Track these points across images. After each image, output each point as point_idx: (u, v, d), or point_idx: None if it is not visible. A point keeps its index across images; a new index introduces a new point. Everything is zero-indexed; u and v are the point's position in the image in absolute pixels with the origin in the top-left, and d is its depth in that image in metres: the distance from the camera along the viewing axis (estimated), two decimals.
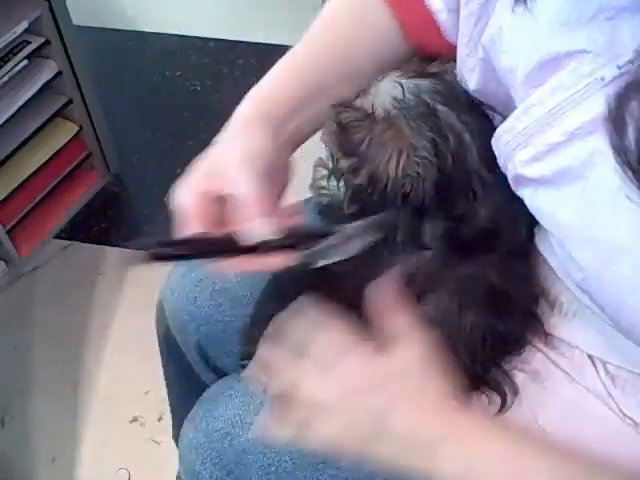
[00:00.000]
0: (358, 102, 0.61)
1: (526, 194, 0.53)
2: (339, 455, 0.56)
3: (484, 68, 0.57)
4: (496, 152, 0.55)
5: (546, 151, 0.49)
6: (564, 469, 0.52)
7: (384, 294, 0.57)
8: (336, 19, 0.70)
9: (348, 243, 0.58)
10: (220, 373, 0.83)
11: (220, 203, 0.59)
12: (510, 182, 0.55)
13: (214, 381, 0.79)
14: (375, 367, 0.55)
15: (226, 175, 0.58)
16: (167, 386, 1.01)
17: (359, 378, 0.55)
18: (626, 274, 0.45)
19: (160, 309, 0.87)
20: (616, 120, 0.43)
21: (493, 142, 0.55)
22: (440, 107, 0.58)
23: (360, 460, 0.56)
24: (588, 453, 0.53)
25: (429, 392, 0.55)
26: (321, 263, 0.58)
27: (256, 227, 0.55)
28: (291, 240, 0.57)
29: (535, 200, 0.52)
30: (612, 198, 0.45)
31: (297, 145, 0.67)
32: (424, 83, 0.59)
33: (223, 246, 0.56)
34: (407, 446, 0.54)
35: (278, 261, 0.57)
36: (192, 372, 0.87)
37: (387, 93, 0.59)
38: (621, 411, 0.58)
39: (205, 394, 0.75)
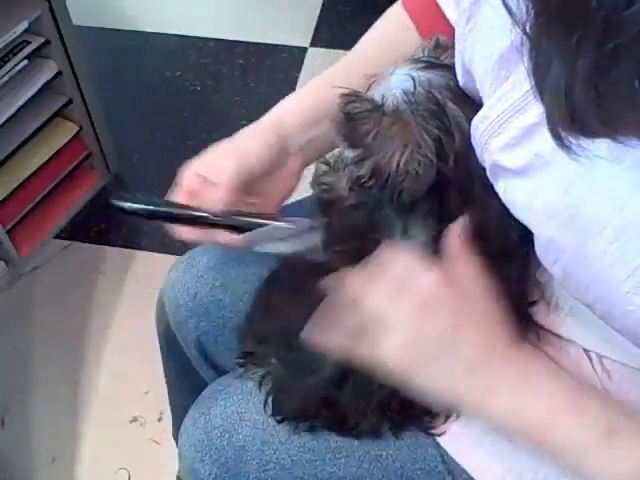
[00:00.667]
0: (369, 93, 0.61)
1: (501, 186, 0.54)
2: (385, 374, 0.55)
3: (463, 68, 0.58)
4: (474, 143, 0.56)
5: (520, 135, 0.50)
6: (614, 405, 0.53)
7: (454, 237, 0.57)
8: (370, 42, 0.77)
9: (296, 238, 0.64)
10: (219, 370, 0.83)
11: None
12: (488, 174, 0.55)
13: (213, 378, 0.80)
14: (448, 289, 0.55)
15: (215, 165, 0.69)
16: (167, 383, 1.01)
17: (432, 297, 0.55)
18: (604, 248, 0.46)
19: (160, 305, 0.87)
20: None
21: (472, 133, 0.56)
22: (450, 104, 0.58)
23: (406, 383, 0.55)
24: None
25: (496, 324, 0.55)
26: (261, 249, 0.67)
27: (208, 203, 0.66)
28: (231, 222, 0.66)
29: (509, 192, 0.53)
30: (585, 174, 0.46)
31: (310, 157, 0.74)
32: (436, 77, 0.59)
33: (181, 213, 0.67)
34: (469, 369, 0.54)
35: (222, 238, 0.67)
36: (192, 369, 0.87)
37: (398, 86, 0.59)
38: None
39: (204, 392, 0.75)
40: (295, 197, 0.87)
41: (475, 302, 0.55)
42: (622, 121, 0.36)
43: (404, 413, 0.65)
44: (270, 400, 0.68)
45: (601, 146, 0.42)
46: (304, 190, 0.76)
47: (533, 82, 0.38)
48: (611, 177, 0.45)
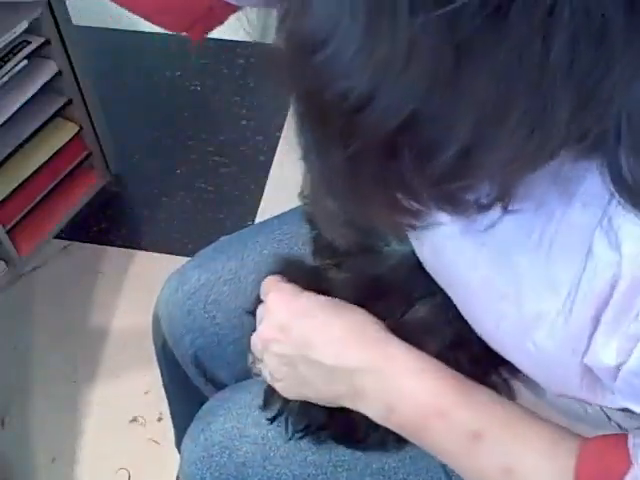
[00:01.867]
0: None
1: None
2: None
3: None
4: None
5: None
6: (486, 408, 0.54)
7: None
8: None
9: None
10: (218, 385, 0.83)
11: None
12: None
13: (212, 393, 0.80)
14: (295, 302, 0.62)
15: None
16: (167, 397, 1.00)
17: (283, 313, 0.61)
18: (471, 305, 0.49)
19: (156, 321, 0.87)
20: None
21: None
22: None
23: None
24: None
25: (351, 320, 0.59)
26: None
27: None
28: None
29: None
30: (443, 235, 0.48)
31: None
32: None
33: None
34: (333, 375, 0.57)
35: None
36: (190, 384, 0.87)
37: None
38: (606, 414, 0.59)
39: (203, 408, 0.75)
40: (288, 206, 0.86)
41: (325, 306, 0.61)
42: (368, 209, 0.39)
43: None
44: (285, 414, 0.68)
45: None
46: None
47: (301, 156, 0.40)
48: (458, 240, 0.47)
